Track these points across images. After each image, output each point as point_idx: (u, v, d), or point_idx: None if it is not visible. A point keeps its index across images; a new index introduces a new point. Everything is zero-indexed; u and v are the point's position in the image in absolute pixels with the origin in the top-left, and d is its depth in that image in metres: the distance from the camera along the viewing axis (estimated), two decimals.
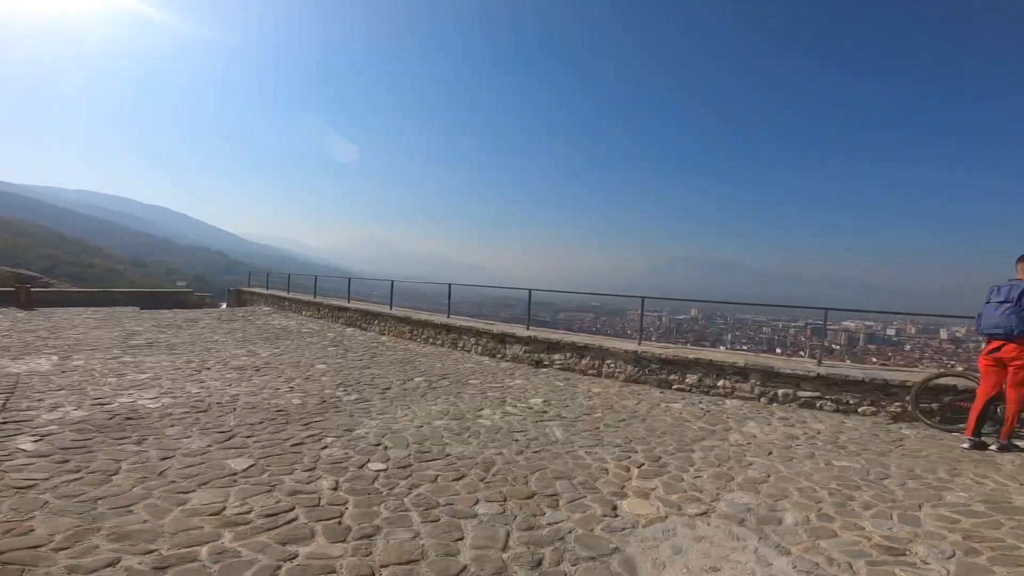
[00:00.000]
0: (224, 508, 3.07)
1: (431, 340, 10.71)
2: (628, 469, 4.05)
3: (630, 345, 7.68)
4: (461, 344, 10.01)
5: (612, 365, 7.58)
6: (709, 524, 3.13)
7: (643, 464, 4.16)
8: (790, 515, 3.25)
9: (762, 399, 6.30)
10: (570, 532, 3.00)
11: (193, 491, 3.29)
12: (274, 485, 3.46)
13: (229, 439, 4.38)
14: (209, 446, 4.17)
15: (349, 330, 12.68)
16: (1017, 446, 4.64)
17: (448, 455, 4.26)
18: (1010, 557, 2.66)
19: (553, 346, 8.34)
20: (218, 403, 5.52)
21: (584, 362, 7.89)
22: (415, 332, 11.21)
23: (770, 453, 4.49)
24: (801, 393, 6.10)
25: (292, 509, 3.12)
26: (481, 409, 5.71)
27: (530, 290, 9.33)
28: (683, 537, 2.96)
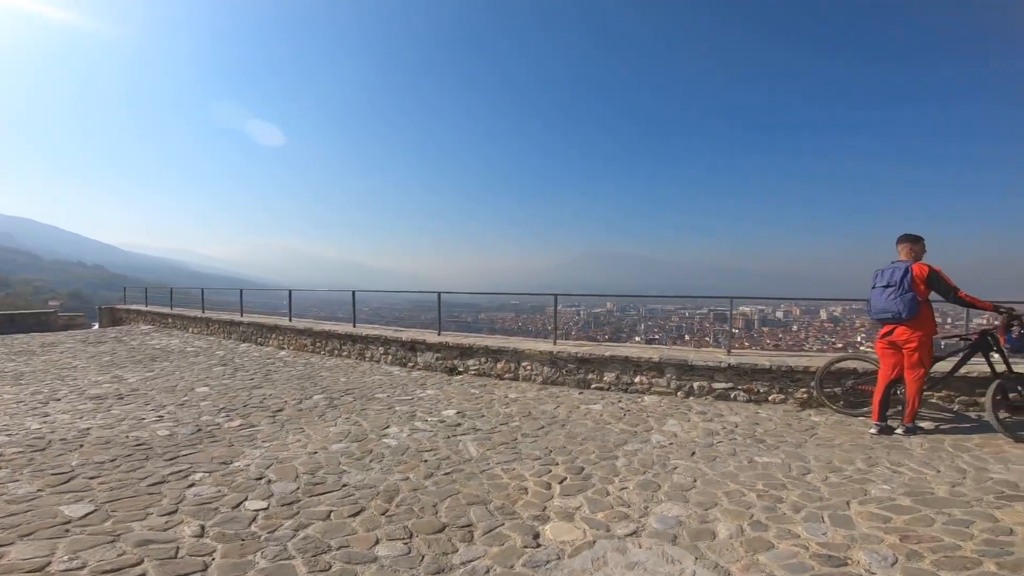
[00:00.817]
0: (48, 563, 2.50)
1: (336, 352, 9.83)
2: (549, 486, 3.67)
3: (546, 345, 7.38)
4: (369, 355, 9.25)
5: (529, 367, 7.23)
6: (641, 546, 2.80)
7: (565, 478, 3.79)
8: (723, 526, 3.01)
9: (679, 393, 6.23)
10: (487, 573, 2.54)
11: (11, 543, 2.66)
12: (119, 534, 2.83)
13: (67, 481, 3.62)
14: (40, 490, 3.43)
15: (243, 346, 11.40)
16: (922, 428, 4.79)
17: (345, 485, 3.67)
18: (954, 560, 2.55)
19: (466, 351, 7.85)
20: (62, 439, 4.59)
21: (500, 366, 7.48)
22: (318, 344, 10.25)
23: (693, 454, 4.30)
24: (716, 385, 6.08)
25: (140, 563, 2.54)
26: (387, 427, 5.10)
27: (439, 293, 8.77)
28: (614, 565, 2.59)
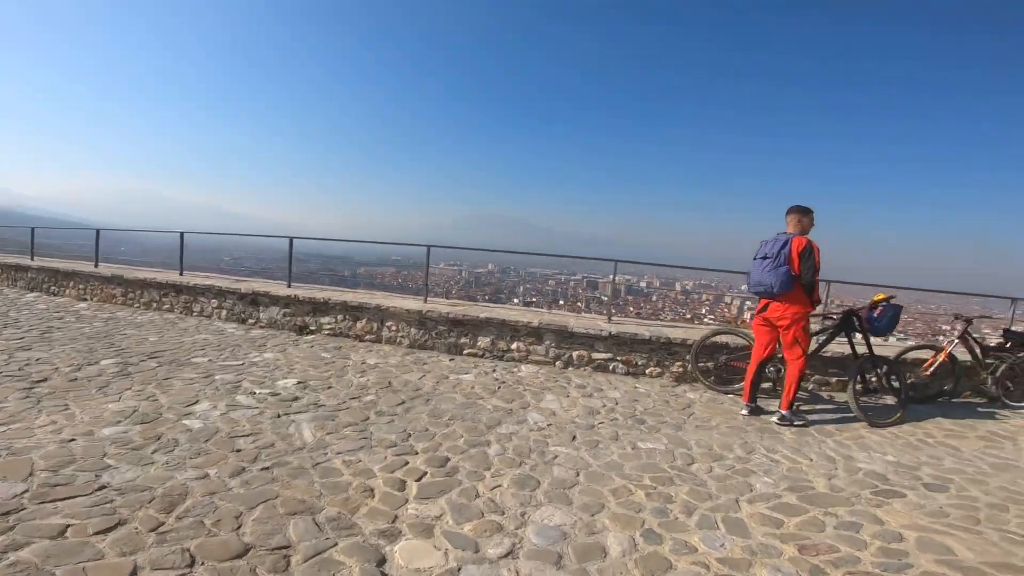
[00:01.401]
0: None
1: (155, 305, 7.96)
2: (404, 484, 2.88)
3: (415, 303, 6.48)
4: (198, 309, 7.59)
5: (394, 328, 6.30)
6: (519, 573, 2.14)
7: (425, 473, 3.03)
8: (613, 538, 2.46)
9: (557, 363, 5.76)
10: None
11: None
12: None
13: None
14: None
15: (30, 296, 8.87)
16: (801, 417, 4.48)
17: (103, 487, 2.58)
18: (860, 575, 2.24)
19: (321, 307, 6.67)
20: None
21: (360, 326, 6.44)
22: (131, 295, 8.24)
23: (574, 438, 3.77)
24: (595, 355, 5.70)
25: None
26: (195, 402, 3.90)
27: (291, 238, 7.36)
28: None
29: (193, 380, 4.45)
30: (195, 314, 7.60)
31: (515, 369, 5.57)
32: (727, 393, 5.28)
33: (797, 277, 4.21)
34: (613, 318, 6.37)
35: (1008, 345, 5.48)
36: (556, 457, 3.40)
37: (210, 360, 5.15)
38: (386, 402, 4.22)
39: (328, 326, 6.61)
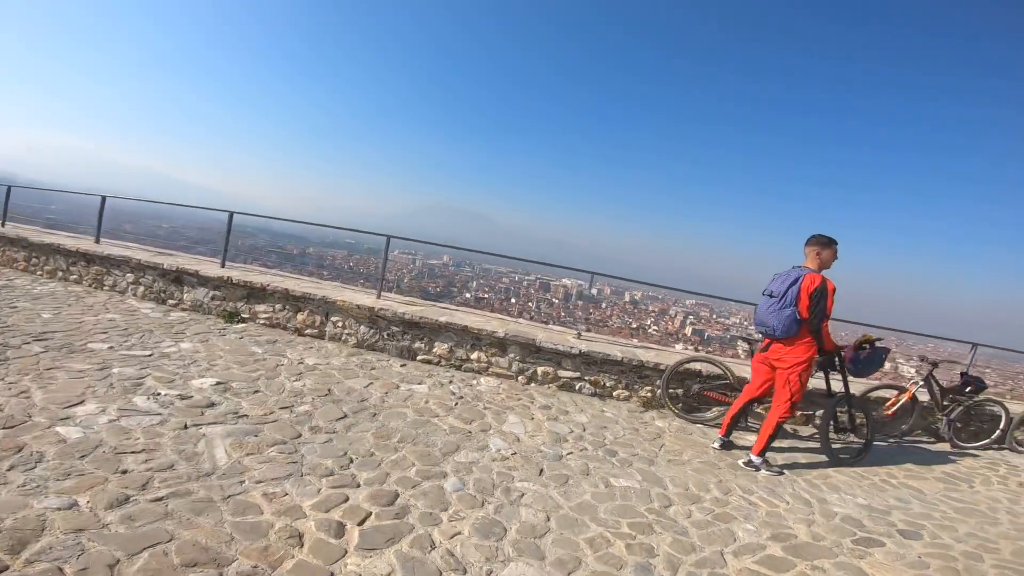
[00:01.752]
0: None
1: (63, 274, 6.90)
2: (343, 529, 2.31)
3: (367, 298, 5.82)
4: (111, 283, 6.60)
5: (340, 324, 5.62)
6: None
7: (369, 514, 2.46)
8: None
9: (520, 378, 5.27)
10: None
11: None
12: None
13: None
14: None
15: None
16: (770, 464, 4.05)
17: None
18: None
19: (257, 293, 5.89)
20: None
21: (301, 318, 5.72)
22: (35, 261, 7.12)
23: (541, 472, 3.29)
24: (562, 373, 5.26)
25: None
26: (79, 403, 3.14)
27: (231, 212, 6.52)
28: None
29: (83, 373, 3.64)
30: (107, 288, 6.61)
31: (474, 381, 5.03)
32: (695, 423, 4.99)
33: (805, 321, 3.77)
34: (583, 334, 5.94)
35: (967, 389, 5.53)
36: (523, 496, 2.91)
37: (111, 347, 4.31)
38: (324, 415, 3.59)
39: (264, 315, 5.84)
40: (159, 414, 3.18)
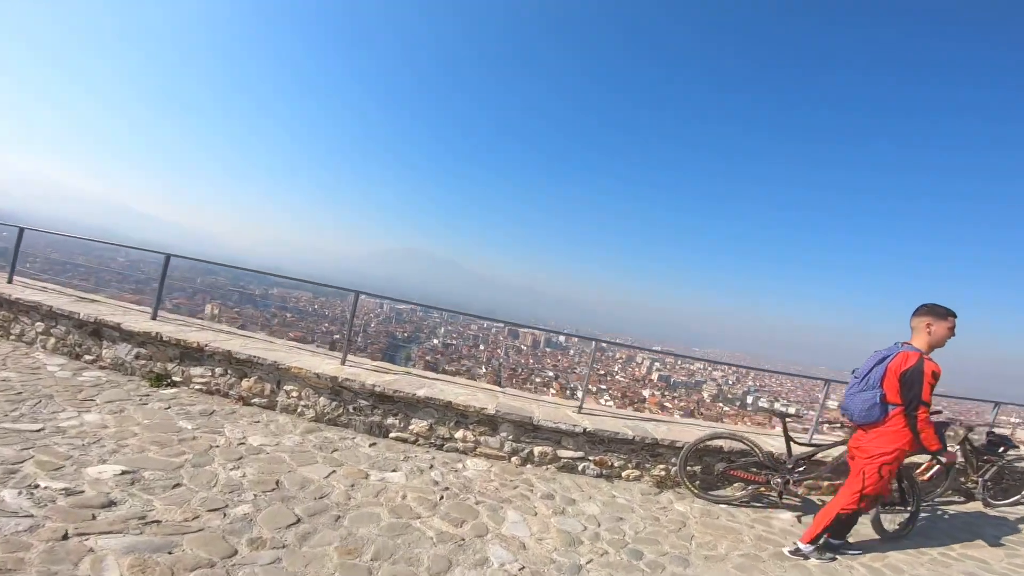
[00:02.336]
0: None
1: None
2: None
3: (329, 364, 4.90)
4: (18, 331, 5.48)
5: (295, 394, 4.66)
6: None
7: None
8: None
9: (514, 459, 4.40)
10: None
11: None
12: None
13: None
14: None
15: None
16: (821, 555, 3.43)
17: None
18: None
19: (192, 353, 4.87)
20: None
21: (248, 384, 4.74)
22: None
23: None
24: (562, 452, 4.44)
25: None
26: None
27: (168, 255, 5.54)
28: None
29: None
30: (12, 338, 5.47)
31: (459, 465, 4.12)
32: (718, 502, 4.29)
33: (891, 406, 3.15)
34: (583, 407, 5.10)
35: (1001, 449, 5.38)
36: None
37: None
38: (271, 520, 2.66)
39: (200, 380, 4.82)
40: (30, 516, 2.23)
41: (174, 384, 4.83)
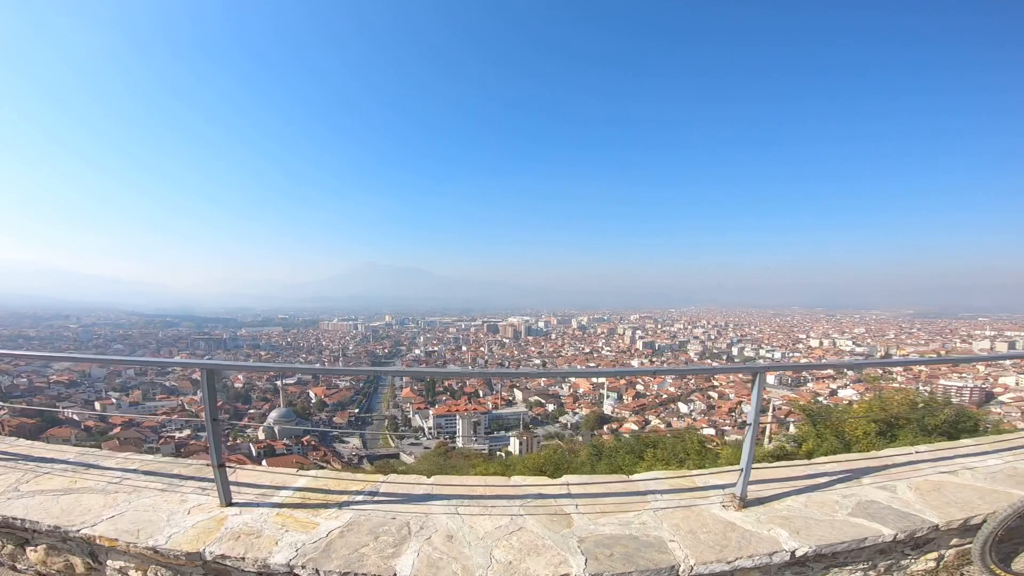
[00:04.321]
0: None
1: None
2: None
3: (194, 515, 2.24)
4: None
5: (134, 572, 2.04)
6: None
7: None
8: None
9: None
10: None
11: None
12: None
13: None
14: None
15: None
16: None
17: None
18: None
19: None
20: None
21: (37, 557, 2.10)
22: None
23: None
24: None
25: None
26: None
27: None
28: None
29: None
30: None
31: None
32: None
33: None
34: (745, 495, 2.36)
35: None
36: None
37: None
38: None
39: None
40: None
41: None
